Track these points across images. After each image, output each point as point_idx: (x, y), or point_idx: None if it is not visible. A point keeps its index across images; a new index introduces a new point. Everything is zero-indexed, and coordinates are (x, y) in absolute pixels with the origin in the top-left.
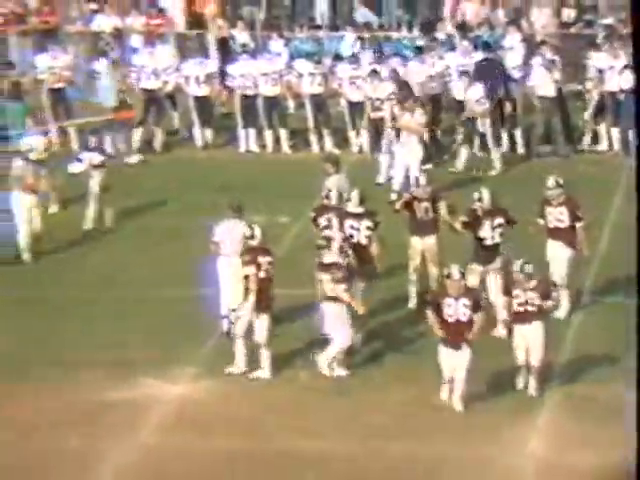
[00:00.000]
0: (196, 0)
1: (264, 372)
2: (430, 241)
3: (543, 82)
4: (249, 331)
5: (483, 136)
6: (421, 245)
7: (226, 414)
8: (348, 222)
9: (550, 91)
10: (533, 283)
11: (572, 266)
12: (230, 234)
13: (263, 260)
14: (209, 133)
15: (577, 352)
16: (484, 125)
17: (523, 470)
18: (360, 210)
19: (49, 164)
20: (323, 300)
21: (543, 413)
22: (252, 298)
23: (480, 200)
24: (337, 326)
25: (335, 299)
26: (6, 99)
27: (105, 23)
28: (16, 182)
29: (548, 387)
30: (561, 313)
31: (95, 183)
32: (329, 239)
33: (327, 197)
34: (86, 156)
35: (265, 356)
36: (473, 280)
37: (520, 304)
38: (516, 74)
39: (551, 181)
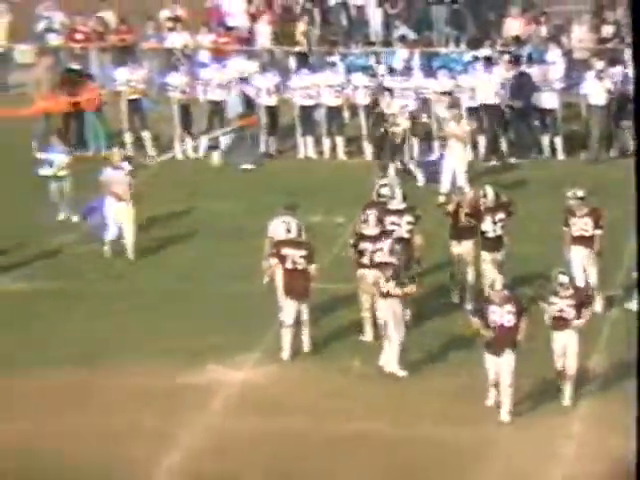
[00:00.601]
0: (259, 20)
1: (306, 347)
2: (467, 245)
3: (595, 91)
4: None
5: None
6: (459, 249)
7: (284, 398)
8: (389, 218)
9: (601, 100)
10: (570, 291)
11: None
12: (281, 230)
13: (291, 253)
14: (273, 140)
15: (610, 358)
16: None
17: (567, 454)
18: (402, 206)
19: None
20: (377, 298)
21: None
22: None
23: (485, 197)
24: (393, 323)
25: (388, 295)
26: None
27: (177, 40)
28: (105, 188)
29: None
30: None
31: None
32: (362, 236)
33: (379, 195)
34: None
35: (306, 333)
36: (485, 266)
37: (558, 311)
38: (557, 86)
39: (573, 193)
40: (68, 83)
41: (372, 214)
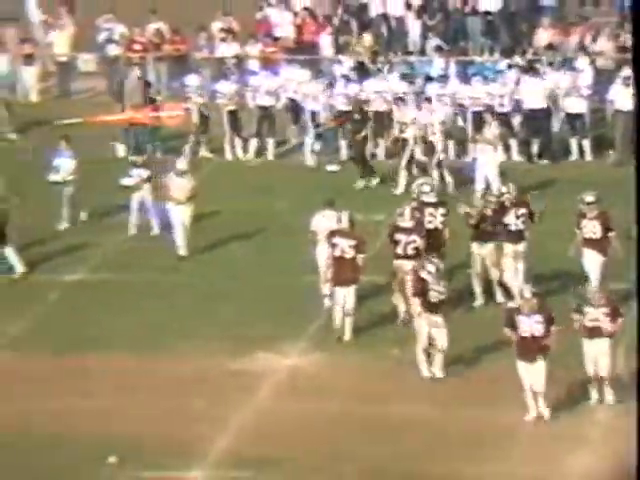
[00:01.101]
0: (304, 31)
1: (346, 336)
2: (489, 247)
3: (621, 97)
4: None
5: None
6: (482, 251)
7: (329, 383)
8: (428, 210)
9: (627, 105)
10: (603, 301)
11: (605, 271)
12: (323, 224)
13: (341, 241)
14: (318, 144)
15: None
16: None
17: (592, 438)
18: (435, 200)
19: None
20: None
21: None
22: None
23: (508, 193)
24: (436, 334)
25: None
26: None
27: (228, 50)
28: (168, 192)
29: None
30: None
31: (147, 194)
32: (397, 227)
33: (420, 193)
34: (135, 172)
35: (348, 322)
36: (506, 259)
37: (591, 320)
38: (585, 92)
39: (585, 197)
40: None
41: (408, 208)
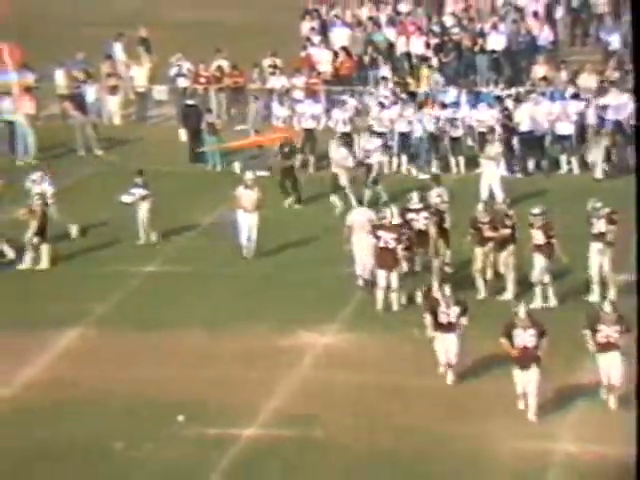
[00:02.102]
0: (341, 66)
1: (394, 307)
2: (487, 249)
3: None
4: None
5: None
6: (482, 253)
7: (360, 358)
8: (410, 214)
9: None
10: (614, 319)
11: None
12: (358, 219)
13: (384, 234)
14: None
15: None
16: None
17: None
18: (419, 206)
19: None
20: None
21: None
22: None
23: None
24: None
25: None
26: (207, 133)
27: (276, 82)
28: (238, 202)
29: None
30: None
31: (143, 211)
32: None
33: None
34: (135, 191)
35: (395, 297)
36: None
37: (603, 336)
38: (573, 118)
39: (532, 210)
40: (187, 115)
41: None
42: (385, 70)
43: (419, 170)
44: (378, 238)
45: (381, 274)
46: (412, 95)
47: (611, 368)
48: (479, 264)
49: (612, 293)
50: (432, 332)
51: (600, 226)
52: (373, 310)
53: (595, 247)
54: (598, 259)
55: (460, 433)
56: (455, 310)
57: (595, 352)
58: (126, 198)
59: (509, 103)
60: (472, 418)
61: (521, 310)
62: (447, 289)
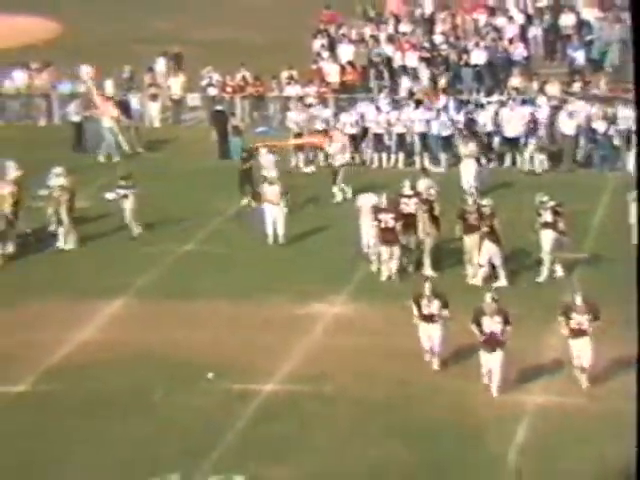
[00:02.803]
0: (347, 77)
1: (393, 276)
2: (475, 237)
3: (566, 125)
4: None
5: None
6: (469, 241)
7: (362, 324)
8: (403, 199)
9: (571, 131)
10: (585, 308)
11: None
12: (365, 202)
13: (384, 217)
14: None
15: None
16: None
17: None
18: (411, 192)
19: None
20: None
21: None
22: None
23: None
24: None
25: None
26: (232, 134)
27: (292, 91)
28: (264, 197)
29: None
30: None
31: (127, 207)
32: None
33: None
34: (120, 190)
35: (394, 265)
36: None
37: (575, 324)
38: (543, 121)
39: (481, 202)
40: (216, 119)
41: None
42: (406, 82)
43: (434, 164)
44: (379, 220)
45: (384, 250)
46: (418, 103)
47: (582, 352)
48: (468, 251)
49: (559, 270)
50: (416, 321)
51: (547, 216)
52: (373, 284)
53: (544, 234)
54: (548, 244)
55: (447, 387)
56: (436, 303)
57: (568, 337)
58: (109, 195)
59: (489, 108)
60: (457, 376)
61: (488, 298)
62: (428, 286)
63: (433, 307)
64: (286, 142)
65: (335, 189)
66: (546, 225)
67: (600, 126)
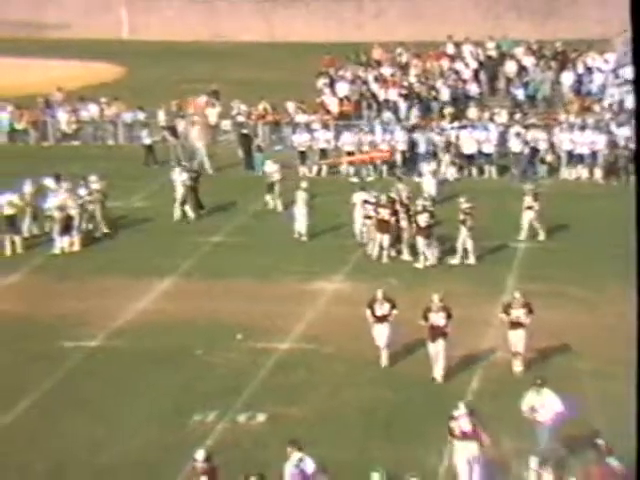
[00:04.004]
0: (344, 108)
1: (384, 260)
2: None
3: (514, 144)
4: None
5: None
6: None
7: (356, 298)
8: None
9: (518, 149)
10: (522, 303)
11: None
12: (358, 199)
13: (382, 211)
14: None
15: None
16: None
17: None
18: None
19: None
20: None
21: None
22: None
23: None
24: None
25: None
26: (256, 151)
27: (301, 118)
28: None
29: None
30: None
31: (96, 209)
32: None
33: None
34: (82, 193)
35: (385, 254)
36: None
37: (514, 317)
38: (494, 142)
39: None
40: (243, 140)
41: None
42: (416, 112)
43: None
44: (378, 212)
45: (378, 237)
46: (414, 127)
47: (517, 341)
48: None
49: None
50: (370, 321)
51: (461, 216)
52: (364, 266)
53: (461, 229)
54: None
55: (421, 349)
56: (386, 306)
57: (507, 329)
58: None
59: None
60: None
61: (435, 299)
62: (379, 292)
63: (384, 309)
64: (361, 157)
65: (270, 200)
66: (462, 222)
67: (525, 144)
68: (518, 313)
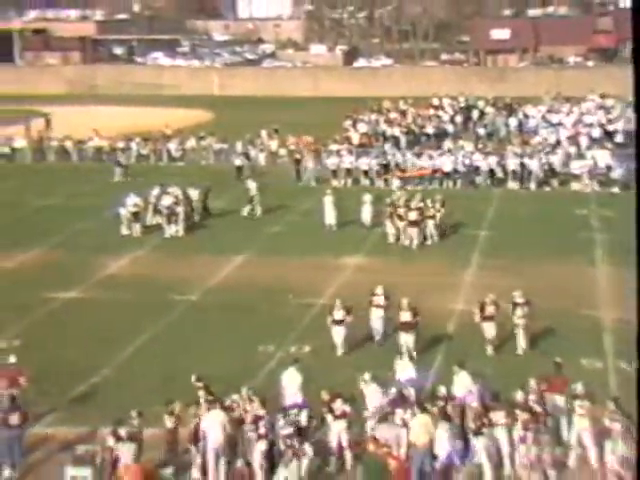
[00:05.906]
0: (364, 141)
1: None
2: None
3: (479, 164)
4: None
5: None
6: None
7: (373, 269)
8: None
9: (485, 168)
10: (493, 300)
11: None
12: (366, 200)
13: (401, 210)
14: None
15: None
16: None
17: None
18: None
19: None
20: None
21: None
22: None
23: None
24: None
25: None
26: (303, 171)
27: (332, 147)
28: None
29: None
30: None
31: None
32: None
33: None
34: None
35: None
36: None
37: (486, 312)
38: (466, 162)
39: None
40: (295, 162)
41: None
42: (389, 146)
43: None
44: (396, 209)
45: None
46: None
47: (489, 331)
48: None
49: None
50: (329, 324)
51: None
52: (378, 247)
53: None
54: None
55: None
56: (341, 312)
57: (480, 321)
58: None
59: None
60: (428, 292)
61: (404, 303)
62: (338, 301)
63: (339, 315)
64: (412, 172)
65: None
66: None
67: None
68: (490, 308)
